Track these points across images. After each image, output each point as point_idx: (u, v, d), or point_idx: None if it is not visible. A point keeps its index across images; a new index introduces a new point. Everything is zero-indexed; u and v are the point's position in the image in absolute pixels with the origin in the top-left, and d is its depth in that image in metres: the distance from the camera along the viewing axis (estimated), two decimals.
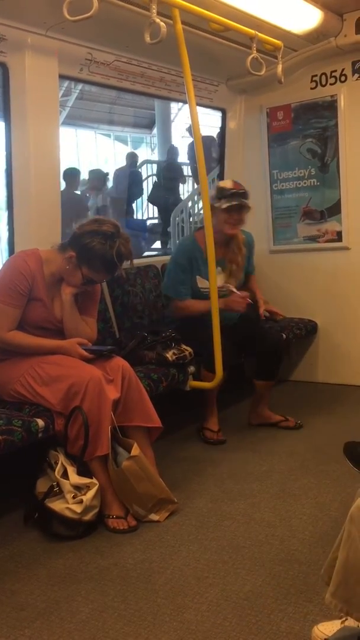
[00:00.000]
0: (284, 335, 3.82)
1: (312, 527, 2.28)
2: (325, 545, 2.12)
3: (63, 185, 6.87)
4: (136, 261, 3.71)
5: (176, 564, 2.07)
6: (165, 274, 3.37)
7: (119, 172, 9.01)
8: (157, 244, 9.18)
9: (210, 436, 3.22)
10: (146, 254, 7.70)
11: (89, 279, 2.52)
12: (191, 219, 8.53)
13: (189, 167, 8.73)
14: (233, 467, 2.87)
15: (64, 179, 6.90)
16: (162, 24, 2.55)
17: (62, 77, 3.16)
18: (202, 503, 2.51)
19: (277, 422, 3.37)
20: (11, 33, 2.78)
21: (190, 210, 8.56)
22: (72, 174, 7.32)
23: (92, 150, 12.40)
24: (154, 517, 2.37)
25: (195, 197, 8.46)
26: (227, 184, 3.26)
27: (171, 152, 9.23)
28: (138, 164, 9.70)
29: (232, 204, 3.14)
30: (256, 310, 3.48)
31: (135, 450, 2.34)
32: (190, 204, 8.55)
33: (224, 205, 3.13)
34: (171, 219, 8.74)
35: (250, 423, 3.43)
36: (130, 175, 8.55)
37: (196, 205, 8.48)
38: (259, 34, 3.14)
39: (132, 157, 9.24)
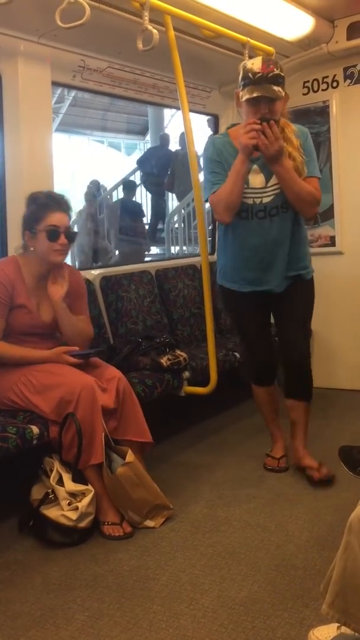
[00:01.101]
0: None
1: (308, 532, 2.28)
2: (322, 550, 2.12)
3: (122, 194, 8.52)
4: (130, 267, 3.76)
5: (172, 570, 2.07)
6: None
7: (153, 152, 9.11)
8: (155, 250, 9.19)
9: (271, 464, 2.89)
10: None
11: (50, 230, 2.46)
12: (184, 225, 8.55)
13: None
14: (229, 472, 2.87)
15: (124, 189, 8.47)
16: (154, 30, 2.57)
17: (55, 84, 3.17)
18: (197, 509, 2.51)
19: (305, 468, 2.74)
20: (3, 40, 2.78)
21: (184, 215, 8.57)
22: (130, 185, 8.66)
23: (86, 157, 12.40)
24: (149, 523, 2.37)
25: (189, 202, 8.47)
26: (254, 64, 2.40)
27: (163, 139, 9.08)
28: (132, 169, 9.71)
29: (252, 95, 2.38)
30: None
31: (130, 457, 2.33)
32: (183, 210, 8.56)
33: (244, 97, 2.42)
34: (165, 225, 8.76)
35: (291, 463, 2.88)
36: (164, 156, 8.63)
37: (190, 210, 8.50)
38: (251, 41, 3.16)
39: (164, 138, 9.24)
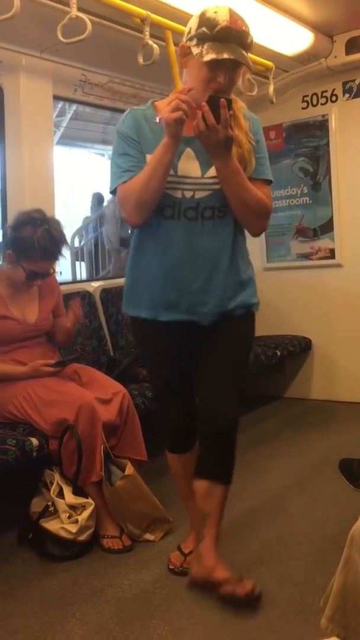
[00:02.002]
0: (278, 353, 3.83)
1: (309, 547, 2.26)
2: (322, 564, 2.10)
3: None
4: None
5: (172, 585, 2.05)
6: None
7: None
8: None
9: (176, 562, 2.14)
10: None
11: (31, 272, 2.47)
12: None
13: None
14: None
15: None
16: (155, 45, 2.60)
17: (57, 98, 3.20)
18: None
19: (220, 583, 1.89)
20: (5, 55, 2.81)
21: None
22: None
23: (86, 169, 12.46)
24: (149, 536, 2.35)
25: None
26: (218, 13, 1.70)
27: None
28: None
29: (221, 57, 1.66)
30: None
31: (129, 470, 2.32)
32: None
33: (207, 57, 1.67)
34: None
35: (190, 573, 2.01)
36: None
37: None
38: (251, 55, 3.18)
39: None
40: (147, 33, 2.60)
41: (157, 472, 2.85)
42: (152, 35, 2.63)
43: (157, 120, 1.77)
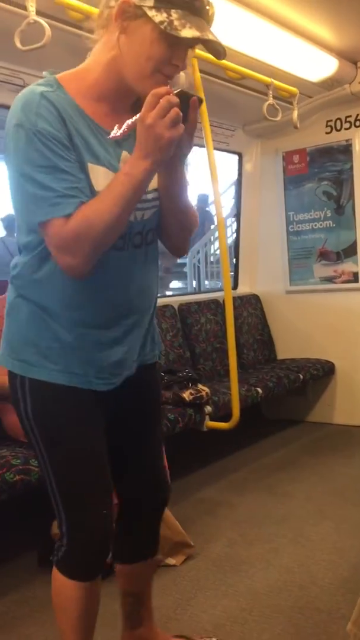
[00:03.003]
0: (301, 376, 3.81)
1: (332, 574, 2.22)
2: (346, 592, 2.07)
3: None
4: None
5: (193, 610, 2.03)
6: (11, 182, 1.28)
7: None
8: (175, 284, 9.26)
9: None
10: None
11: None
12: (209, 259, 8.62)
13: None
14: (250, 510, 2.83)
15: None
16: (181, 73, 2.64)
17: None
18: (218, 547, 2.47)
19: None
20: (34, 81, 2.87)
21: (207, 251, 8.65)
22: None
23: None
24: (170, 561, 2.33)
25: (211, 238, 8.56)
26: None
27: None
28: None
29: (204, 36, 1.23)
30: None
31: None
32: (206, 244, 8.65)
33: (185, 32, 1.20)
34: (187, 260, 8.84)
35: None
36: None
37: (212, 246, 8.58)
38: (275, 82, 3.23)
39: None
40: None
41: (178, 495, 2.84)
42: None
43: (113, 135, 1.22)
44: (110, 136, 1.23)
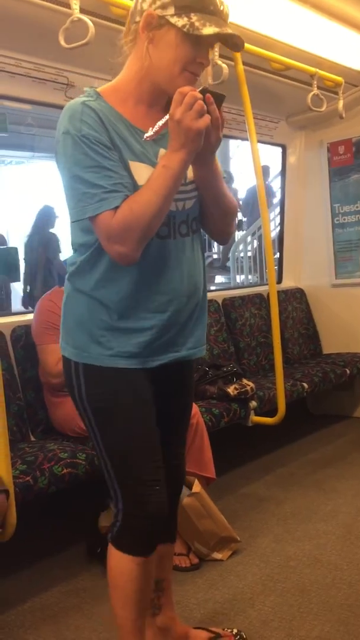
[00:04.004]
0: (348, 371, 3.75)
1: None
2: None
3: None
4: None
5: (240, 606, 2.03)
6: (64, 186, 1.41)
7: None
8: (219, 279, 9.24)
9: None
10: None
11: None
12: (250, 254, 8.56)
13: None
14: (296, 505, 2.80)
15: None
16: (224, 65, 2.62)
17: None
18: (265, 542, 2.46)
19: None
20: (78, 80, 2.90)
21: (250, 245, 8.59)
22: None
23: None
24: (216, 555, 2.33)
25: (255, 232, 8.49)
26: None
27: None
28: None
29: (223, 31, 1.36)
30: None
31: (197, 487, 2.32)
32: (249, 238, 8.60)
33: (206, 29, 1.34)
34: (230, 254, 8.80)
35: None
36: None
37: (255, 241, 8.51)
38: (320, 72, 3.18)
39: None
40: (216, 54, 2.62)
41: (224, 490, 2.84)
42: (221, 56, 2.66)
43: (147, 136, 1.35)
44: (145, 137, 1.35)
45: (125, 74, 1.46)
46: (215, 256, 9.72)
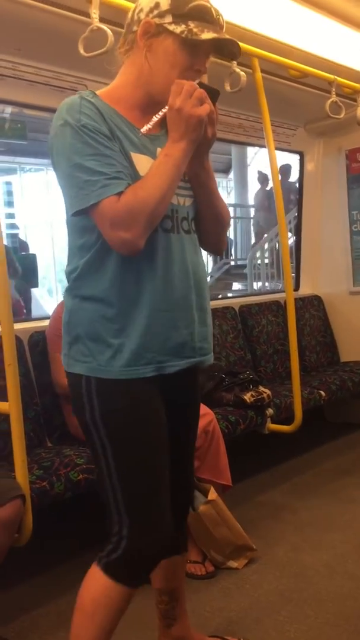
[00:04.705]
0: None
1: None
2: None
3: None
4: (213, 302, 3.79)
5: (256, 615, 2.01)
6: (62, 178, 1.37)
7: None
8: (237, 286, 9.23)
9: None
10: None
11: None
12: (267, 261, 8.55)
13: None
14: (313, 515, 2.78)
15: None
16: (242, 73, 2.63)
17: None
18: (282, 551, 2.44)
19: None
20: (97, 88, 2.92)
21: (267, 252, 8.58)
22: None
23: None
24: (232, 564, 2.32)
25: (272, 240, 8.48)
26: None
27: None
28: None
29: (221, 36, 1.38)
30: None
31: (212, 495, 2.31)
32: (267, 245, 8.58)
33: (205, 35, 1.36)
34: (248, 260, 8.79)
35: None
36: None
37: (274, 247, 8.50)
38: (338, 78, 3.16)
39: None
40: (234, 61, 2.63)
41: (240, 498, 2.82)
42: (239, 63, 2.66)
43: (144, 130, 1.35)
44: (142, 130, 1.34)
45: (119, 81, 1.46)
46: (232, 263, 9.72)
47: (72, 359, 1.42)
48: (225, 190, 13.86)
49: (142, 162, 1.37)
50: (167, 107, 1.33)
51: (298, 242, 4.47)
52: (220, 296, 7.02)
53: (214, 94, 1.36)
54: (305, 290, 4.37)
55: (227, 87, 2.69)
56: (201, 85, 1.35)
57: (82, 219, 1.36)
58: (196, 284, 1.47)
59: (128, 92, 1.43)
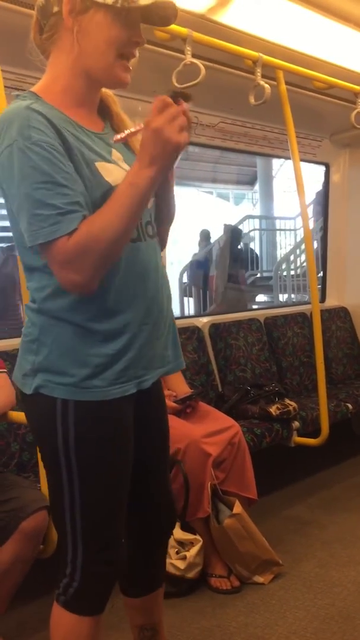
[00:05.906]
0: None
1: None
2: None
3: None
4: (239, 315, 3.78)
5: (282, 631, 1.98)
6: (18, 208, 1.19)
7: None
8: (261, 297, 9.20)
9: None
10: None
11: None
12: (293, 272, 8.52)
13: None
14: (341, 530, 2.73)
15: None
16: (266, 85, 2.63)
17: None
18: (308, 567, 2.40)
19: None
20: (121, 102, 2.95)
21: (293, 264, 8.55)
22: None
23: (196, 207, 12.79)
24: (258, 579, 2.29)
25: (297, 251, 8.45)
26: None
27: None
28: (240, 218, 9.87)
29: (149, 0, 1.24)
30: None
31: (238, 508, 2.29)
32: (292, 257, 8.55)
33: (142, 0, 1.24)
34: (273, 273, 8.76)
35: None
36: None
37: (298, 259, 8.47)
38: (336, 80, 3.15)
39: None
40: (258, 74, 2.64)
41: (266, 512, 2.79)
42: (263, 76, 2.66)
43: (117, 139, 1.22)
44: (115, 139, 1.22)
45: (54, 73, 1.29)
46: (258, 275, 9.69)
47: (40, 380, 1.28)
48: (251, 202, 13.89)
49: (110, 171, 1.26)
50: (141, 124, 1.18)
51: (324, 254, 4.44)
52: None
53: (187, 98, 1.22)
54: (331, 302, 4.33)
55: (252, 100, 2.69)
56: (176, 94, 1.21)
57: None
58: (166, 291, 1.39)
59: (66, 83, 1.28)
